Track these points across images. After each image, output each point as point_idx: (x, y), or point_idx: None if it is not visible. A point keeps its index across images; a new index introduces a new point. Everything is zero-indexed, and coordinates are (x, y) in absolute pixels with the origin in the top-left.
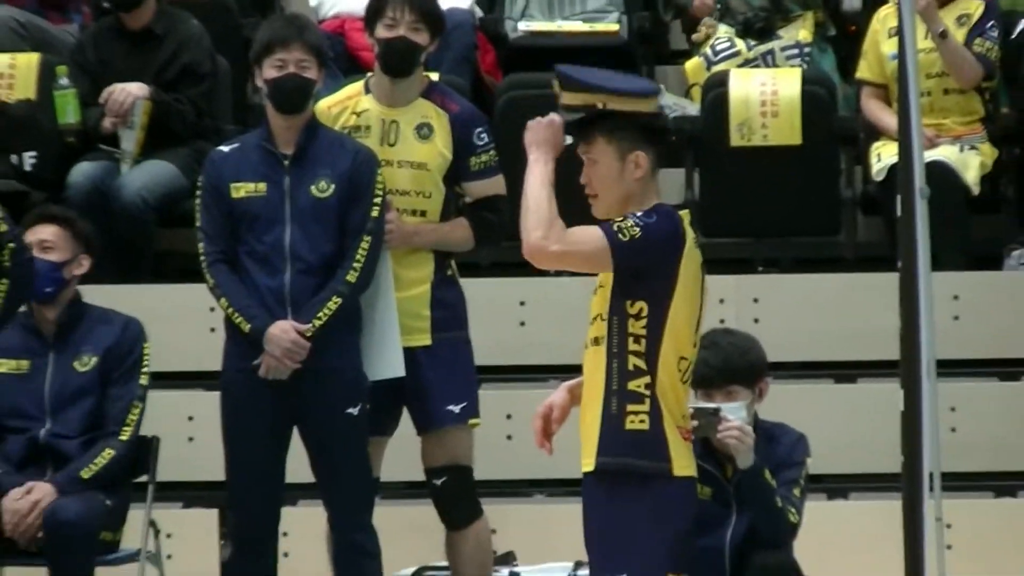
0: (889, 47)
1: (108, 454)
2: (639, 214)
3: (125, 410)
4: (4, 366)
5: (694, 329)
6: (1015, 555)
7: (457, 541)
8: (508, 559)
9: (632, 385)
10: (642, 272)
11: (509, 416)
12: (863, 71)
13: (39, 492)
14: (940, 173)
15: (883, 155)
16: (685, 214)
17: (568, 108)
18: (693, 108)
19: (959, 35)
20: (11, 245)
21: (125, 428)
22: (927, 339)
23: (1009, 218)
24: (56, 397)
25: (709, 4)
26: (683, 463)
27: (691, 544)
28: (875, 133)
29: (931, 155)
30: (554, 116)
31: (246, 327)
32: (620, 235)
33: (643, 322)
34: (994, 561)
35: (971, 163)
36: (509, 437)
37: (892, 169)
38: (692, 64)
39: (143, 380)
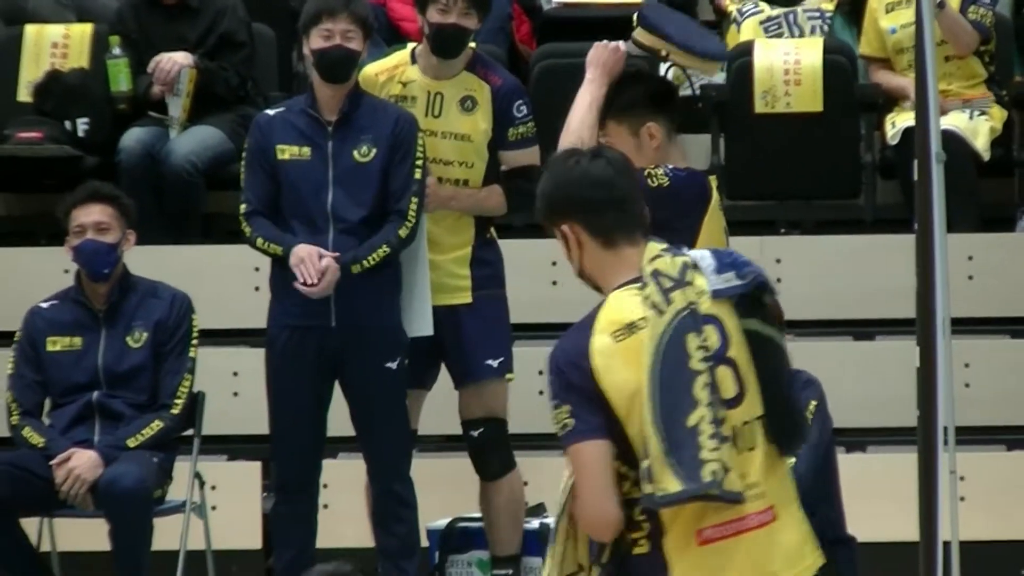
0: (887, 22)
1: (157, 425)
2: (670, 166)
3: (177, 383)
4: (58, 343)
5: None
6: None
7: (491, 492)
8: (539, 510)
9: None
10: (664, 223)
11: (541, 372)
12: (864, 47)
13: (77, 461)
14: (950, 141)
15: (897, 122)
16: (713, 179)
17: (636, 44)
18: (719, 76)
19: (953, 3)
20: None
21: (176, 401)
22: (942, 298)
23: (1022, 181)
24: (109, 371)
25: None
26: None
27: None
28: (892, 102)
29: (941, 123)
30: (620, 43)
31: (279, 250)
32: (649, 180)
33: None
34: (1005, 511)
35: (980, 129)
36: (541, 392)
37: (906, 133)
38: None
39: (192, 353)
